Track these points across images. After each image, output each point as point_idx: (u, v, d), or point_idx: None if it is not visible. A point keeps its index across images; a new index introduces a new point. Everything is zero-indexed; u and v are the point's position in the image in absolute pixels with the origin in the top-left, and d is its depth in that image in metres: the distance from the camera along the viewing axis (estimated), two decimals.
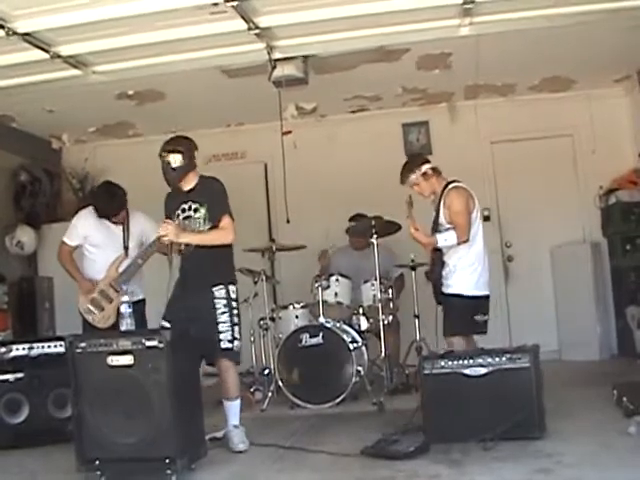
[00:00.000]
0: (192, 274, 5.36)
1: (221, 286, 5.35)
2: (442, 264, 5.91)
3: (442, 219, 5.89)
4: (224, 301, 5.34)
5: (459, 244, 5.76)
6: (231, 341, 5.31)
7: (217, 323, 5.29)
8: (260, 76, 7.08)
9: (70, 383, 4.67)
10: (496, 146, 9.18)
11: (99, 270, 6.36)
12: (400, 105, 9.20)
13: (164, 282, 5.39)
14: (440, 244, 5.81)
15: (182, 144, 5.40)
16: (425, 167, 5.97)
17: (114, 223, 6.47)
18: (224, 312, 5.32)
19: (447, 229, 5.82)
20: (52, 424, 5.75)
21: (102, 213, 6.45)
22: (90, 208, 6.56)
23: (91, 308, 6.27)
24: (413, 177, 5.96)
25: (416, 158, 6.37)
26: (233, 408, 5.40)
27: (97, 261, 6.40)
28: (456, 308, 5.80)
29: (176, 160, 5.30)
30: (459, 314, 5.77)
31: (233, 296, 5.40)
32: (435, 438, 4.91)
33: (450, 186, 5.91)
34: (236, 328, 5.36)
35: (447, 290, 5.88)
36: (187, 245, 5.35)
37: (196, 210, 5.36)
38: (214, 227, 5.35)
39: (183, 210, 5.37)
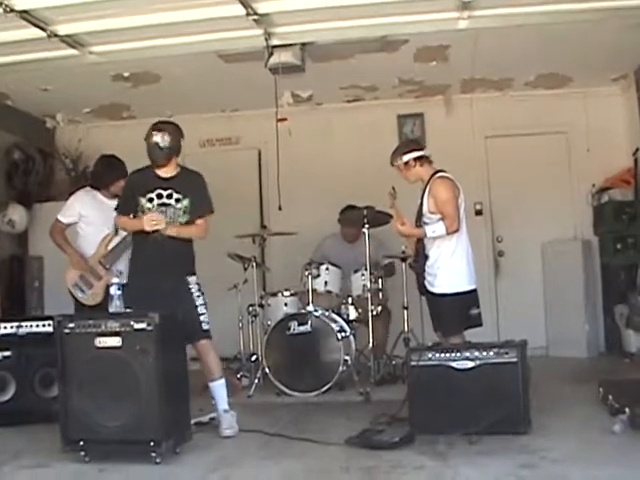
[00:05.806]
0: (166, 262, 5.37)
1: (194, 276, 5.51)
2: (425, 257, 5.85)
3: (425, 208, 5.80)
4: (197, 286, 5.50)
5: (449, 234, 5.67)
6: (208, 323, 5.46)
7: (196, 306, 5.41)
8: (257, 62, 7.03)
9: (57, 363, 4.68)
10: (490, 140, 9.17)
11: (93, 248, 6.38)
12: (396, 96, 9.17)
13: None
14: (429, 235, 5.72)
15: (170, 126, 5.49)
16: (417, 153, 5.92)
17: (112, 197, 6.37)
18: (199, 296, 5.47)
19: (436, 220, 5.70)
20: (38, 403, 5.75)
21: (101, 182, 6.48)
22: (87, 188, 6.61)
23: (80, 284, 6.29)
24: (404, 159, 5.92)
25: (410, 142, 6.41)
26: (220, 389, 5.45)
27: (91, 240, 6.39)
28: (450, 308, 5.71)
29: (164, 140, 5.36)
30: (455, 313, 5.69)
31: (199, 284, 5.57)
32: (420, 429, 4.92)
33: (436, 176, 5.83)
34: (207, 312, 5.51)
35: (436, 290, 5.77)
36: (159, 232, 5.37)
37: (178, 200, 5.40)
38: (191, 221, 5.46)
39: (159, 196, 5.37)
